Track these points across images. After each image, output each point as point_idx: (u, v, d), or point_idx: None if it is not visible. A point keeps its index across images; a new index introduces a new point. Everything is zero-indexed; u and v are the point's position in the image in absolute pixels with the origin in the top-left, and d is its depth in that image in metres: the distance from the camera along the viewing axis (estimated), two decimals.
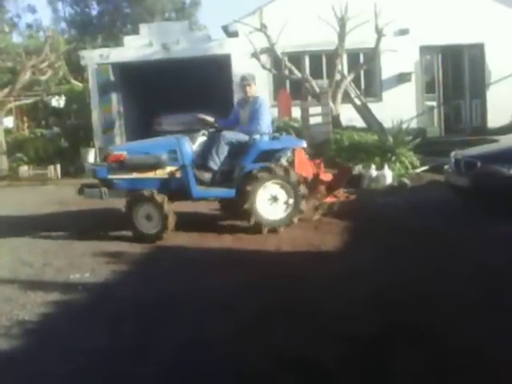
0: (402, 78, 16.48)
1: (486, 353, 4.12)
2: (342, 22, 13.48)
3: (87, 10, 31.17)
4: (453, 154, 9.45)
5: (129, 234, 7.92)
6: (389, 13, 13.52)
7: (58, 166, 15.94)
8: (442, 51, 16.98)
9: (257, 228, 7.84)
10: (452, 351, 4.16)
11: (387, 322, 4.73)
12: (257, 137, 7.97)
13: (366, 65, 15.27)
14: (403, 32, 16.02)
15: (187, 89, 17.69)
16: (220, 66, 16.66)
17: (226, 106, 16.82)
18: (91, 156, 16.61)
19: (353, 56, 16.10)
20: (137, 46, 16.66)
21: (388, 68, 16.49)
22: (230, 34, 16.90)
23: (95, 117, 17.09)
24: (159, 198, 7.59)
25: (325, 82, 15.11)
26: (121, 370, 4.07)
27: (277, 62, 14.83)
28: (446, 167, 9.63)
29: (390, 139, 12.20)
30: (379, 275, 5.94)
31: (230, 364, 4.10)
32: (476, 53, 16.94)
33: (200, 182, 7.88)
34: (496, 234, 7.34)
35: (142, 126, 17.88)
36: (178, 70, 17.06)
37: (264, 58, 14.89)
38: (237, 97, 16.41)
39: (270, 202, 7.92)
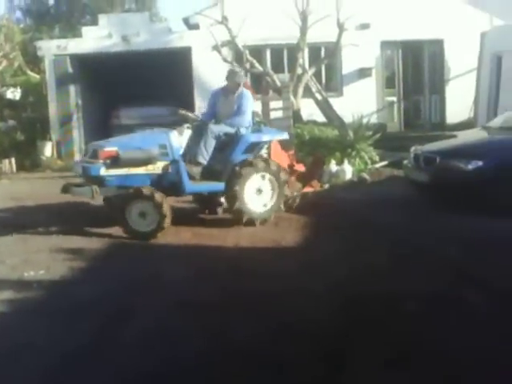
0: (363, 72, 16.51)
1: (439, 346, 4.13)
2: (304, 16, 13.44)
3: None
4: (412, 149, 9.52)
5: (87, 229, 7.77)
6: (350, 7, 13.51)
7: (13, 160, 15.58)
8: (403, 46, 17.08)
9: (235, 213, 7.93)
10: (408, 346, 4.17)
11: (344, 317, 4.72)
12: (243, 130, 8.04)
13: (327, 59, 15.26)
14: (364, 27, 16.04)
15: (147, 81, 17.44)
16: (181, 58, 16.47)
17: (186, 99, 16.70)
18: (48, 150, 16.27)
19: (314, 50, 16.07)
20: (95, 38, 16.32)
21: (349, 63, 16.50)
22: (191, 26, 16.72)
23: (52, 109, 16.70)
24: (158, 196, 7.39)
25: (286, 76, 15.06)
26: (76, 368, 3.97)
27: (238, 56, 14.72)
28: (405, 162, 9.70)
29: (351, 134, 12.22)
30: (338, 270, 5.94)
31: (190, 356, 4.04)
32: (436, 49, 17.09)
33: (190, 177, 7.80)
34: (455, 228, 7.43)
35: (101, 119, 17.61)
36: (138, 63, 16.79)
37: (225, 51, 14.76)
38: (197, 89, 16.33)
39: (256, 195, 8.00)
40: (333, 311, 4.85)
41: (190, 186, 7.77)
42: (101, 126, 17.42)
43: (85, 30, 17.04)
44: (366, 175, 11.38)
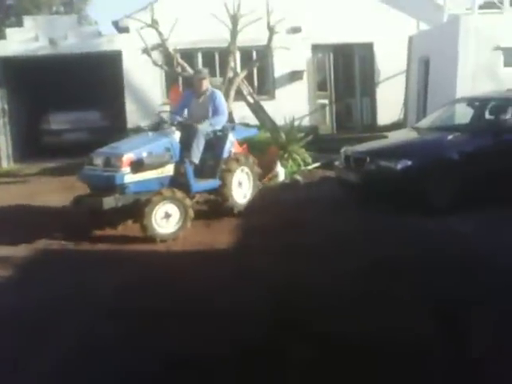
0: (295, 75, 16.58)
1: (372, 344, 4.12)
2: (235, 19, 13.37)
3: None
4: (343, 150, 9.57)
5: (15, 236, 7.48)
6: (281, 11, 13.54)
7: None
8: (334, 50, 17.23)
9: (228, 210, 8.35)
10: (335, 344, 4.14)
11: (274, 320, 4.68)
12: (228, 127, 8.47)
13: (258, 62, 15.24)
14: (295, 30, 16.13)
15: (78, 85, 17.04)
16: (110, 62, 16.16)
17: (117, 103, 16.42)
18: None
19: (246, 53, 16.03)
20: (21, 40, 15.80)
21: (281, 66, 16.54)
22: (121, 29, 16.42)
23: None
24: (185, 197, 7.60)
25: (218, 79, 14.96)
26: None
27: (169, 59, 14.53)
28: (336, 163, 9.74)
29: (283, 136, 12.23)
30: (269, 273, 5.89)
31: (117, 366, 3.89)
32: (366, 52, 17.31)
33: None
34: (384, 227, 7.51)
35: (30, 124, 17.10)
36: (67, 66, 16.37)
37: (156, 54, 14.54)
38: (128, 93, 16.07)
39: (238, 187, 8.50)
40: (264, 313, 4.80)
41: (196, 185, 8.00)
42: (29, 132, 16.95)
43: (9, 31, 16.47)
44: (298, 177, 11.41)
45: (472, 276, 5.62)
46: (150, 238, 7.24)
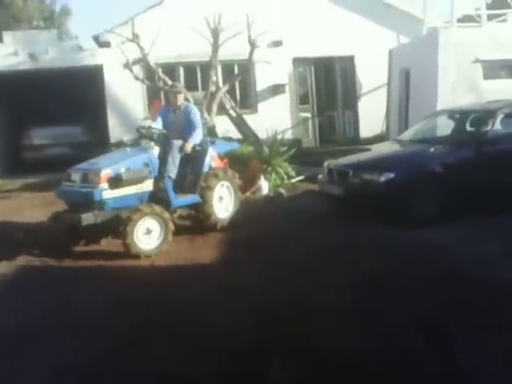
0: (277, 89, 16.66)
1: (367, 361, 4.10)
2: (216, 33, 13.39)
3: None
4: (326, 163, 9.58)
5: None
6: (262, 25, 13.57)
7: None
8: (315, 63, 17.34)
9: (212, 226, 8.31)
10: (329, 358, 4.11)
11: (262, 335, 4.64)
12: (208, 142, 8.48)
13: (240, 76, 15.28)
14: (277, 44, 16.21)
15: (59, 100, 16.98)
16: (92, 76, 16.12)
17: (99, 118, 16.35)
18: None
19: (227, 67, 16.07)
20: (1, 55, 15.72)
21: (263, 80, 16.61)
22: (102, 44, 16.38)
23: None
24: (164, 212, 7.51)
25: (200, 93, 14.96)
26: None
27: (150, 73, 14.50)
28: (319, 177, 9.74)
29: (266, 150, 12.23)
30: (256, 288, 5.85)
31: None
32: (347, 65, 17.44)
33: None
34: (368, 240, 7.51)
35: (10, 139, 16.95)
36: (47, 81, 16.30)
37: (137, 68, 14.51)
38: (110, 107, 16.02)
39: (219, 202, 8.44)
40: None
41: (176, 200, 7.93)
42: (11, 147, 16.80)
43: None
44: (282, 190, 11.40)
45: (451, 289, 5.61)
46: (135, 255, 7.15)
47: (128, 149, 8.10)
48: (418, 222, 8.00)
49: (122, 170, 7.40)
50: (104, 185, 7.25)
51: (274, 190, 11.43)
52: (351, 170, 8.78)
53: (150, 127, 8.07)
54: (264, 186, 11.31)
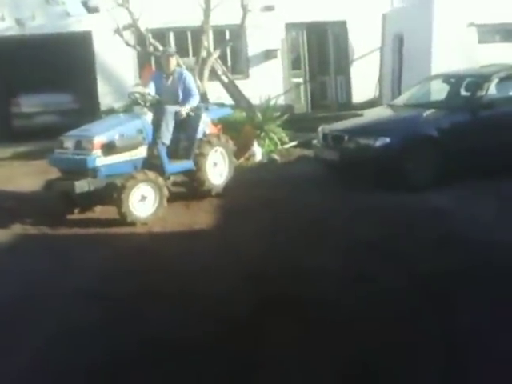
0: (269, 54, 16.46)
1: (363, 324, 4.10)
2: None
3: None
4: (320, 128, 9.53)
5: None
6: None
7: None
8: (307, 28, 17.13)
9: (206, 192, 8.25)
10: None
11: (263, 297, 4.69)
12: (202, 107, 8.31)
13: (232, 41, 15.09)
14: (269, 8, 15.96)
15: (47, 67, 16.61)
16: (81, 43, 15.83)
17: (89, 85, 16.12)
18: None
19: (219, 33, 15.83)
20: None
21: (254, 45, 16.40)
22: (91, 9, 16.02)
23: None
24: (159, 178, 7.44)
25: (191, 59, 14.78)
26: None
27: (141, 39, 14.29)
28: (314, 142, 9.69)
29: (259, 116, 12.14)
30: (254, 252, 5.88)
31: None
32: (339, 30, 17.24)
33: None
34: (364, 205, 7.50)
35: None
36: (36, 48, 15.94)
37: (127, 34, 14.28)
38: (100, 74, 15.81)
39: (213, 168, 8.34)
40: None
41: (170, 167, 7.84)
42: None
43: None
44: (276, 156, 11.33)
45: (450, 252, 5.64)
46: (131, 223, 7.11)
47: (121, 115, 8.01)
48: (414, 186, 8.03)
49: (116, 136, 7.30)
50: (97, 152, 7.15)
51: (268, 156, 11.36)
52: (346, 135, 8.73)
53: (142, 93, 7.96)
54: (258, 152, 11.24)
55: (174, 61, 8.40)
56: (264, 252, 5.89)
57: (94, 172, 7.19)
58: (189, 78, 8.32)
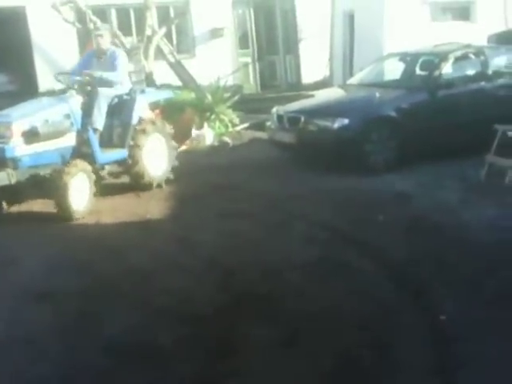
0: (215, 33, 15.99)
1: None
2: None
3: None
4: (274, 109, 9.19)
5: None
6: None
7: None
8: (254, 6, 16.75)
9: (147, 185, 7.60)
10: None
11: (222, 289, 4.57)
12: (137, 90, 7.62)
13: (177, 19, 14.55)
14: None
15: None
16: (14, 19, 14.91)
17: (25, 64, 15.27)
18: None
19: (162, 10, 15.22)
20: None
21: (200, 23, 15.90)
22: None
23: None
24: (92, 168, 6.79)
25: (134, 38, 14.18)
26: None
27: (80, 16, 13.58)
28: (268, 124, 9.34)
29: (209, 97, 11.66)
30: (209, 242, 5.65)
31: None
32: (287, 8, 16.92)
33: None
34: (323, 189, 7.24)
35: None
36: None
37: (66, 10, 13.53)
38: (37, 53, 15.00)
39: (151, 156, 7.63)
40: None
41: (102, 155, 7.15)
42: None
43: None
44: (227, 139, 10.90)
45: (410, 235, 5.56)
46: (68, 218, 6.49)
47: (45, 98, 7.29)
48: (374, 169, 7.84)
49: (39, 122, 6.50)
50: (17, 139, 6.33)
51: (219, 139, 10.93)
52: (303, 116, 8.39)
53: (67, 73, 7.33)
54: (208, 135, 10.79)
55: (104, 40, 7.66)
56: (220, 241, 5.64)
57: (14, 162, 6.36)
58: (121, 57, 7.57)
